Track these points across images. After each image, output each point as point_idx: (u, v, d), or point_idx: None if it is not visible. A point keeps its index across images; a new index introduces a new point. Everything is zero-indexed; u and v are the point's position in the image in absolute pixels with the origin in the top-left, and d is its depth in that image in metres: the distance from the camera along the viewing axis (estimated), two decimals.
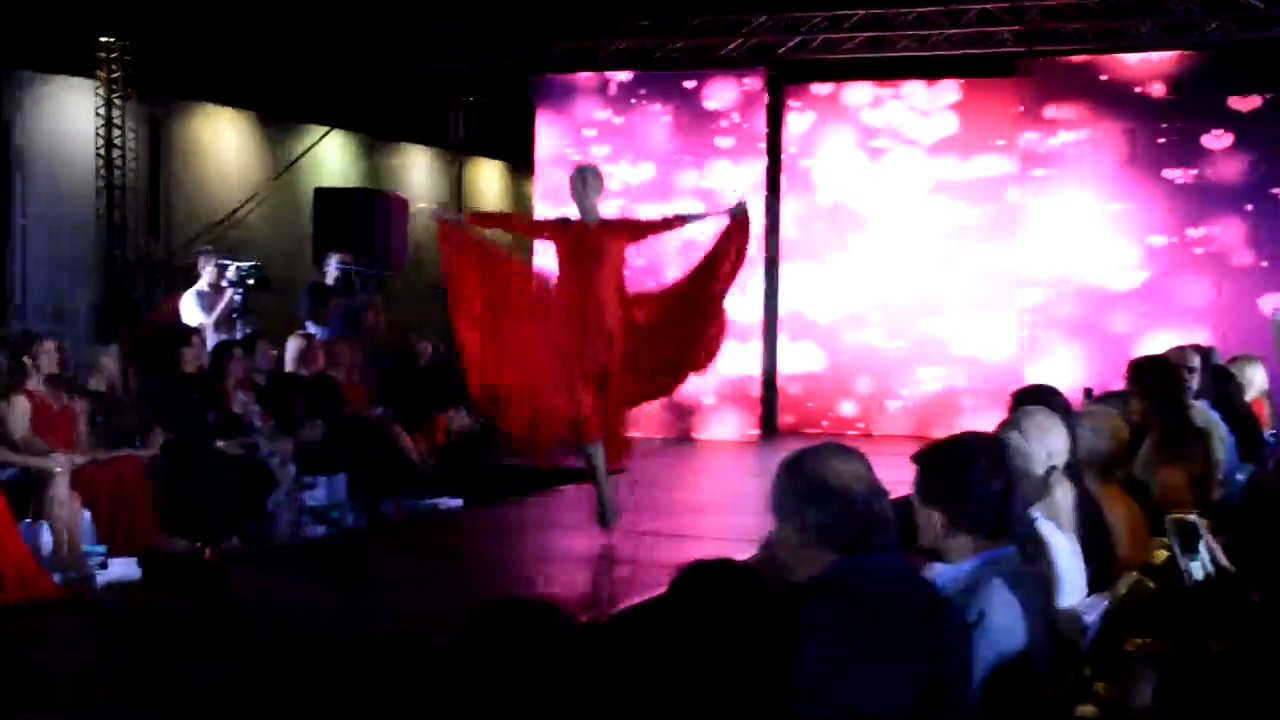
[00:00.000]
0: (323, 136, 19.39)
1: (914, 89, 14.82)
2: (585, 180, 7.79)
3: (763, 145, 14.97)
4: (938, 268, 14.61)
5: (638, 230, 8.22)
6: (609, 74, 15.42)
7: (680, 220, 8.30)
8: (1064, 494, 4.38)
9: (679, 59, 15.32)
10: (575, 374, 7.69)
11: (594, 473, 7.93)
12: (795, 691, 2.49)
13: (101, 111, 16.56)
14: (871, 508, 3.03)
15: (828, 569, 2.98)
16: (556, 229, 7.98)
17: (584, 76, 15.52)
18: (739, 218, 8.01)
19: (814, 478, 3.02)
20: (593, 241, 7.67)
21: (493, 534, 9.23)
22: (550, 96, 15.59)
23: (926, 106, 14.74)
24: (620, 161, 15.14)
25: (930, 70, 14.86)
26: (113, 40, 16.49)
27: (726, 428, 14.93)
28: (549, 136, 15.56)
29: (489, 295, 7.79)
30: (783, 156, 15.07)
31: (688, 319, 7.99)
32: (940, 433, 4.49)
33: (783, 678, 2.44)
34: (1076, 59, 14.33)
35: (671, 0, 15.17)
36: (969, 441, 3.47)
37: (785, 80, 15.11)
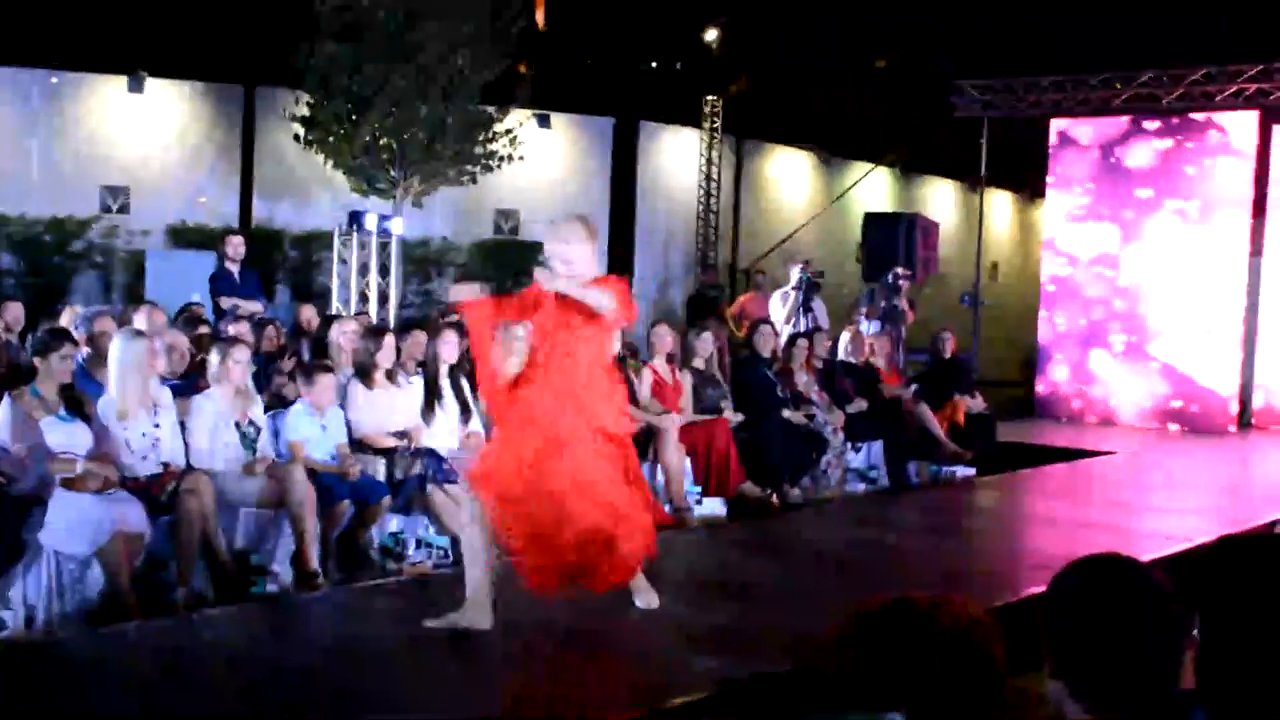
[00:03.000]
0: (867, 173, 19.55)
1: None
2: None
3: (1248, 175, 13.42)
4: None
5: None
6: (1101, 119, 14.21)
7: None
8: None
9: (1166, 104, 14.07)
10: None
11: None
12: None
13: (703, 152, 17.47)
14: None
15: None
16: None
17: (1078, 121, 14.35)
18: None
19: None
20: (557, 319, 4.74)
21: (996, 498, 9.00)
22: (1054, 139, 14.70)
23: None
24: (1110, 201, 14.06)
25: None
26: (714, 98, 17.40)
27: (1192, 423, 13.36)
28: (1054, 175, 14.68)
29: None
30: (1269, 187, 13.64)
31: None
32: None
33: None
34: None
35: (1162, 52, 14.08)
36: None
37: (1272, 119, 13.63)
